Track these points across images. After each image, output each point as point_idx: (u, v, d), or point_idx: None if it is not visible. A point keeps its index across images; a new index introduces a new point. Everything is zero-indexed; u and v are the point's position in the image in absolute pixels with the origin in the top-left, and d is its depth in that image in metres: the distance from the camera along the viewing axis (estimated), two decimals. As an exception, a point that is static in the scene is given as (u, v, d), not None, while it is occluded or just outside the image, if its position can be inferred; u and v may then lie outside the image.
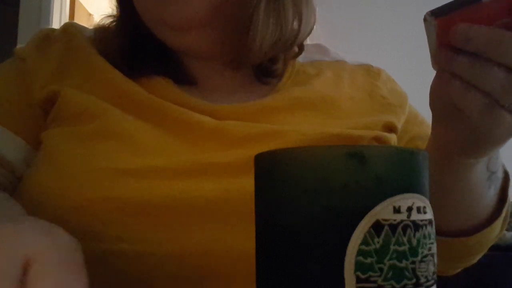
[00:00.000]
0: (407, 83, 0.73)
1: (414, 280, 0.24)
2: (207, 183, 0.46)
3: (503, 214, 0.53)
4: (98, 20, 0.61)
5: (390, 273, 0.24)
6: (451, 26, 0.37)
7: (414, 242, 0.24)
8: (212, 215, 0.45)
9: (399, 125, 0.58)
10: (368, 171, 0.24)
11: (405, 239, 0.24)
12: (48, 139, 0.50)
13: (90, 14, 2.26)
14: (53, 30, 0.60)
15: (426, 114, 0.57)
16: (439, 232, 0.46)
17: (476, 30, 0.36)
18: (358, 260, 0.23)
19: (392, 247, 0.24)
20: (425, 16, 0.38)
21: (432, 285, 0.26)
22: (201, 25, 0.52)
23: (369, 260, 0.23)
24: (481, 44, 0.35)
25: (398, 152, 0.26)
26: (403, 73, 0.95)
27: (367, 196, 0.24)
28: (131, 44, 0.57)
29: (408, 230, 0.24)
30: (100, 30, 0.59)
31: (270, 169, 0.27)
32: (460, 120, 0.42)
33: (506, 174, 0.53)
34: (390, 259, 0.24)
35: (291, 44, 0.56)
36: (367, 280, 0.23)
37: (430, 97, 0.44)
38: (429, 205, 0.26)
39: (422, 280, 0.25)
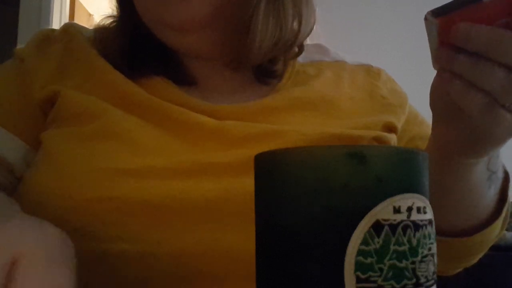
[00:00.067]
0: (407, 83, 0.73)
1: (414, 280, 0.24)
2: (207, 183, 0.46)
3: (503, 214, 0.53)
4: (98, 20, 0.61)
5: (390, 273, 0.24)
6: (452, 25, 0.37)
7: (414, 242, 0.24)
8: (212, 215, 0.45)
9: (399, 125, 0.58)
10: (368, 171, 0.24)
11: (405, 239, 0.24)
12: (48, 139, 0.50)
13: (90, 14, 2.26)
14: (53, 30, 0.60)
15: (426, 114, 0.57)
16: (439, 232, 0.46)
17: (476, 29, 0.36)
18: (358, 260, 0.23)
19: (392, 247, 0.24)
20: (426, 15, 0.38)
21: (432, 285, 0.26)
22: (201, 26, 0.52)
23: (369, 260, 0.23)
24: (481, 43, 0.36)
25: (398, 152, 0.26)
26: (403, 73, 0.95)
27: (367, 196, 0.24)
28: (131, 45, 0.57)
29: (408, 230, 0.24)
30: (100, 31, 0.59)
31: (270, 169, 0.27)
32: (461, 120, 0.42)
33: (506, 174, 0.53)
34: (390, 259, 0.24)
35: (291, 45, 0.56)
36: (367, 280, 0.23)
37: (430, 96, 0.44)
38: (429, 205, 0.26)
39: (422, 280, 0.25)
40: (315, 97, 0.56)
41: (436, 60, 0.39)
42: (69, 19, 2.04)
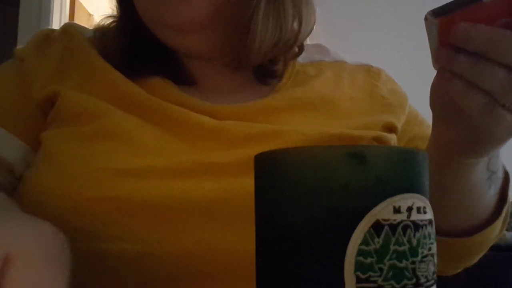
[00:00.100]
0: (407, 83, 0.73)
1: (414, 280, 0.24)
2: (207, 183, 0.46)
3: (503, 214, 0.53)
4: (98, 20, 0.61)
5: (390, 273, 0.24)
6: (452, 25, 0.37)
7: (414, 242, 0.24)
8: (212, 215, 0.45)
9: (399, 125, 0.58)
10: (368, 171, 0.24)
11: (405, 239, 0.24)
12: (48, 140, 0.50)
13: (90, 14, 2.26)
14: (53, 30, 0.60)
15: (426, 114, 0.57)
16: (439, 232, 0.46)
17: (476, 29, 0.36)
18: (358, 260, 0.23)
19: (392, 247, 0.24)
20: (426, 15, 0.38)
21: (432, 285, 0.26)
22: (201, 26, 0.52)
23: (369, 260, 0.23)
24: (481, 43, 0.36)
25: (398, 152, 0.26)
26: (403, 73, 0.95)
27: (367, 196, 0.24)
28: (131, 45, 0.57)
29: (408, 230, 0.24)
30: (100, 31, 0.59)
31: (270, 169, 0.27)
32: (461, 120, 0.42)
33: (506, 174, 0.53)
34: (390, 259, 0.24)
35: (291, 45, 0.56)
36: (367, 280, 0.23)
37: (430, 96, 0.44)
38: (429, 205, 0.26)
39: (422, 280, 0.25)
40: (315, 97, 0.56)
41: (436, 60, 0.39)
42: (69, 19, 2.04)
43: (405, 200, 0.24)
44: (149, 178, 0.45)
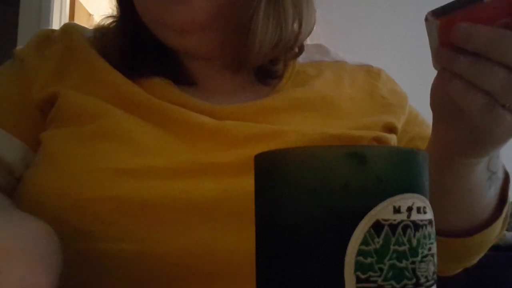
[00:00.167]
0: (407, 83, 0.73)
1: (414, 280, 0.24)
2: (207, 183, 0.46)
3: (503, 215, 0.53)
4: (98, 20, 0.61)
5: (390, 273, 0.24)
6: (453, 25, 0.37)
7: (414, 242, 0.24)
8: (212, 215, 0.45)
9: (399, 126, 0.58)
10: (368, 171, 0.24)
11: (405, 239, 0.24)
12: (48, 140, 0.50)
13: (90, 14, 2.26)
14: (53, 30, 0.60)
15: (426, 114, 0.57)
16: (439, 232, 0.46)
17: (477, 29, 0.36)
18: (358, 260, 0.23)
19: (392, 247, 0.24)
20: (426, 16, 0.38)
21: (432, 285, 0.26)
22: (202, 26, 0.52)
23: (369, 260, 0.23)
24: (482, 43, 0.36)
25: (398, 152, 0.26)
26: (403, 73, 0.95)
27: (367, 196, 0.24)
28: (131, 45, 0.57)
29: (408, 230, 0.24)
30: (100, 31, 0.59)
31: (270, 169, 0.27)
32: (461, 120, 0.42)
33: (506, 174, 0.53)
34: (390, 259, 0.24)
35: (292, 46, 0.56)
36: (367, 280, 0.23)
37: (431, 96, 0.44)
38: (429, 205, 0.26)
39: (422, 280, 0.25)
40: (315, 98, 0.56)
41: (437, 60, 0.39)
42: (69, 19, 2.04)
43: (405, 200, 0.24)
44: (149, 178, 0.45)
